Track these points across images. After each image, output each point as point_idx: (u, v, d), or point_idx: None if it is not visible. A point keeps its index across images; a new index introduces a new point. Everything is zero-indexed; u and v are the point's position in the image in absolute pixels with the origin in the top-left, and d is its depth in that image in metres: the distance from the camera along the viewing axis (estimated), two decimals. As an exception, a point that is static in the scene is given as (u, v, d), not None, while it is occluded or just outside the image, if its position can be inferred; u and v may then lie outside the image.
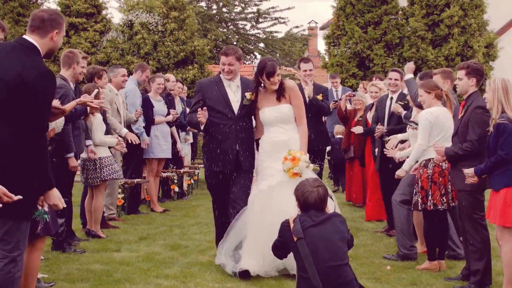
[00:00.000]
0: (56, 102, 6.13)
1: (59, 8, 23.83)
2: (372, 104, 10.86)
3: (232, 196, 7.61)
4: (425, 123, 7.54)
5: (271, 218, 6.80)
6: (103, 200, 9.53)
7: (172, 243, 8.98)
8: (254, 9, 32.89)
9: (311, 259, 5.49)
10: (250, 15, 33.10)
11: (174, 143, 12.75)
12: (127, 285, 6.81)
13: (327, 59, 24.34)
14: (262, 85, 7.56)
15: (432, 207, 7.50)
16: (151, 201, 12.06)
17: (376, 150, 9.83)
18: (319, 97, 9.79)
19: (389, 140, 9.09)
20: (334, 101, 13.61)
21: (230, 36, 32.84)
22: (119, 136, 10.00)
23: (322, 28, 32.19)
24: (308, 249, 5.52)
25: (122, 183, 10.82)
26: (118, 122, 10.38)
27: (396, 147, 8.84)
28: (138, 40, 23.64)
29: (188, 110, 13.78)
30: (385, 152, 8.90)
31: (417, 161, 7.76)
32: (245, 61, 32.54)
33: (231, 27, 33.59)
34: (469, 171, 6.53)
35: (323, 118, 11.17)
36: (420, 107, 7.97)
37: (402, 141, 8.91)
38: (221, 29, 32.19)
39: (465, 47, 22.10)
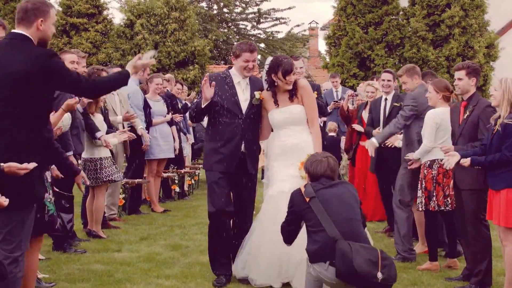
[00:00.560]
0: None
1: (60, 9, 23.84)
2: (366, 103, 10.85)
3: (237, 208, 7.09)
4: (431, 123, 7.51)
5: (278, 228, 6.32)
6: (104, 200, 9.53)
7: (173, 243, 8.97)
8: (255, 9, 32.87)
9: (326, 213, 5.44)
10: (251, 15, 33.06)
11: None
12: (128, 285, 6.81)
13: (327, 60, 24.32)
14: (276, 84, 7.01)
15: (436, 208, 7.51)
16: (151, 201, 12.05)
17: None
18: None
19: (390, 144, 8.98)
20: (334, 101, 13.59)
21: (230, 37, 32.82)
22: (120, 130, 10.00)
23: (323, 29, 32.17)
24: (322, 206, 5.47)
25: (123, 183, 10.82)
26: (114, 115, 10.36)
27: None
28: (139, 41, 23.65)
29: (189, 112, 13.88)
30: (386, 142, 8.80)
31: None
32: (245, 61, 32.46)
33: (232, 27, 33.56)
34: (465, 161, 6.38)
35: (321, 119, 11.02)
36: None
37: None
38: (221, 30, 32.15)
39: (466, 47, 22.09)
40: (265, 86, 7.14)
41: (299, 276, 6.29)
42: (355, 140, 11.87)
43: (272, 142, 7.23)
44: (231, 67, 7.23)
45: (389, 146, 8.76)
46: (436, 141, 7.49)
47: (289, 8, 32.61)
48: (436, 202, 7.50)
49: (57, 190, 6.66)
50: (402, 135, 8.65)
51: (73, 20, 23.42)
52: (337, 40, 23.44)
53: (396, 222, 8.40)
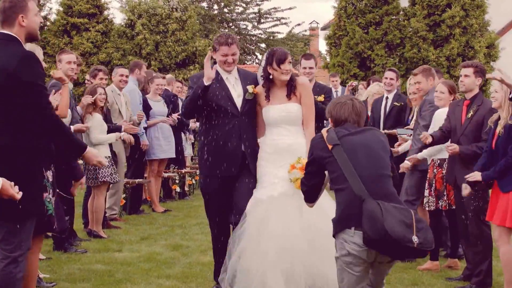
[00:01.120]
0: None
1: (61, 9, 23.83)
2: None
3: (234, 201, 6.51)
4: (442, 123, 7.45)
5: (267, 239, 5.96)
6: (103, 200, 9.52)
7: (173, 243, 8.97)
8: (256, 9, 32.86)
9: (351, 165, 4.75)
10: (251, 16, 33.06)
11: (178, 143, 12.75)
12: (128, 285, 6.81)
13: (328, 60, 24.30)
14: (271, 76, 6.47)
15: (447, 207, 7.50)
16: (152, 201, 12.05)
17: None
18: (321, 98, 8.19)
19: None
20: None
21: (231, 37, 32.80)
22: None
23: (323, 29, 32.13)
24: (347, 157, 4.77)
25: (124, 183, 10.81)
26: (119, 116, 10.35)
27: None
28: (140, 41, 23.63)
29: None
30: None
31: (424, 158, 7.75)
32: (246, 62, 32.53)
33: (233, 27, 33.53)
34: (476, 176, 6.30)
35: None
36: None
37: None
38: (222, 30, 32.13)
39: (466, 47, 22.07)
40: (260, 82, 6.64)
41: None
42: None
43: (263, 140, 6.64)
44: (215, 62, 6.68)
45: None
46: None
47: (290, 8, 32.62)
48: (447, 201, 7.49)
49: (58, 191, 6.63)
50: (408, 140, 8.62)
51: (73, 20, 23.39)
52: (338, 40, 23.42)
53: None
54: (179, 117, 12.40)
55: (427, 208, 7.66)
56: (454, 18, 21.90)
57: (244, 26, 33.72)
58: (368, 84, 12.91)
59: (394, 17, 22.87)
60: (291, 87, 6.53)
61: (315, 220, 6.01)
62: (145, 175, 12.07)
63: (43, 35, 23.18)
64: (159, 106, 11.96)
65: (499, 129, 6.23)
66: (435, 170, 7.60)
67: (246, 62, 32.30)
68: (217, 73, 6.57)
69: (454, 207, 7.45)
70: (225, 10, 33.16)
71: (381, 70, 21.52)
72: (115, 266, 7.60)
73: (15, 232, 4.72)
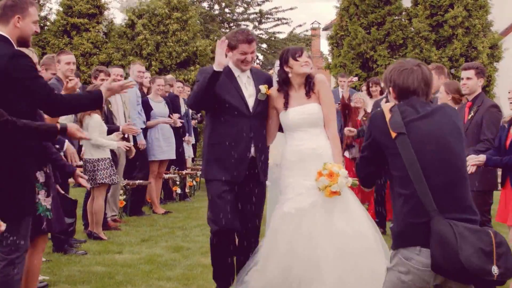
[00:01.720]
0: None
1: (61, 9, 23.81)
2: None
3: (243, 221, 6.07)
4: None
5: (301, 252, 5.54)
6: (103, 201, 9.46)
7: (174, 245, 8.92)
8: (257, 9, 32.88)
9: (419, 165, 3.85)
10: (252, 16, 33.07)
11: (179, 144, 12.72)
12: (128, 287, 6.76)
13: (330, 60, 24.26)
14: (290, 75, 5.98)
15: None
16: (152, 203, 12.02)
17: None
18: None
19: None
20: (338, 103, 13.47)
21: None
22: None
23: (325, 29, 32.12)
24: (414, 151, 3.88)
25: (124, 184, 10.77)
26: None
27: None
28: (140, 41, 23.60)
29: (191, 112, 13.86)
30: None
31: None
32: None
33: (234, 27, 33.52)
34: (481, 158, 6.07)
35: None
36: None
37: None
38: (223, 30, 32.13)
39: (469, 48, 22.01)
40: (275, 85, 6.18)
41: None
42: (357, 139, 11.53)
43: (285, 148, 6.14)
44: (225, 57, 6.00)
45: None
46: None
47: (291, 8, 32.68)
48: None
49: (63, 193, 6.57)
50: None
51: (74, 20, 23.36)
52: (340, 40, 23.37)
53: None
54: (182, 121, 12.37)
55: None
56: (457, 18, 21.85)
57: (245, 27, 33.72)
58: (368, 86, 12.81)
59: (396, 17, 22.83)
60: (309, 85, 6.02)
61: (344, 226, 5.61)
62: (146, 176, 12.03)
63: (42, 35, 23.15)
64: (160, 107, 11.94)
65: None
66: None
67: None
68: (229, 69, 6.09)
69: None
70: (226, 10, 33.19)
71: (384, 71, 21.46)
72: (115, 268, 7.56)
73: (11, 234, 4.66)
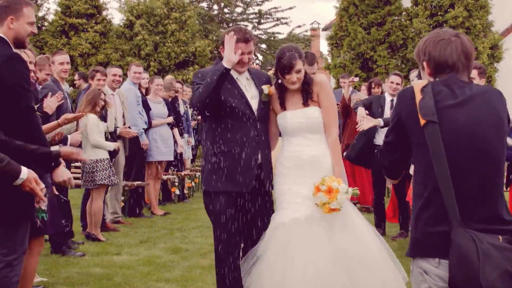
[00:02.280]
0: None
1: (59, 9, 23.79)
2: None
3: (249, 242, 5.49)
4: None
5: (295, 265, 5.07)
6: (101, 203, 9.42)
7: (172, 246, 8.88)
8: (256, 9, 32.89)
9: (447, 163, 3.22)
10: (251, 16, 33.08)
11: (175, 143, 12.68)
12: (127, 289, 6.74)
13: (329, 61, 24.24)
14: (279, 81, 5.56)
15: None
16: (151, 204, 11.98)
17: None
18: None
19: None
20: (338, 103, 13.43)
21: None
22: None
23: (324, 29, 32.16)
24: (444, 145, 3.23)
25: (122, 185, 10.74)
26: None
27: None
28: (139, 41, 23.58)
29: (190, 112, 13.83)
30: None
31: None
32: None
33: (233, 28, 33.57)
34: None
35: None
36: None
37: None
38: (222, 30, 32.11)
39: (469, 48, 22.03)
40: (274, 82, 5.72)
41: None
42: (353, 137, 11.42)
43: (280, 153, 5.64)
44: (222, 58, 5.45)
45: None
46: None
47: (290, 8, 32.65)
48: None
49: (57, 193, 6.52)
50: None
51: (72, 20, 23.34)
52: (339, 41, 23.37)
53: None
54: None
55: None
56: (457, 18, 21.87)
57: (245, 27, 33.74)
58: (369, 87, 12.74)
59: (396, 17, 22.83)
60: (307, 93, 5.52)
61: (348, 245, 5.13)
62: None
63: (40, 36, 23.12)
64: (159, 108, 11.90)
65: None
66: None
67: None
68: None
69: None
70: (225, 10, 33.21)
71: (384, 71, 21.48)
72: (114, 269, 7.52)
73: (9, 236, 4.60)
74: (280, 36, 33.41)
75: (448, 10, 22.12)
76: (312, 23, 34.53)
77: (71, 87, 15.86)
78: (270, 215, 5.46)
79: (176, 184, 13.50)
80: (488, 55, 22.11)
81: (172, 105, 12.49)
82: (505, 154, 3.40)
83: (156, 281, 7.02)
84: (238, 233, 5.44)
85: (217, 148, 5.46)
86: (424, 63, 3.49)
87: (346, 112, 11.84)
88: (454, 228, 3.16)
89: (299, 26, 35.32)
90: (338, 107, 12.71)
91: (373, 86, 12.48)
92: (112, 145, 9.32)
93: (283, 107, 5.58)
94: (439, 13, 22.34)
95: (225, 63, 5.28)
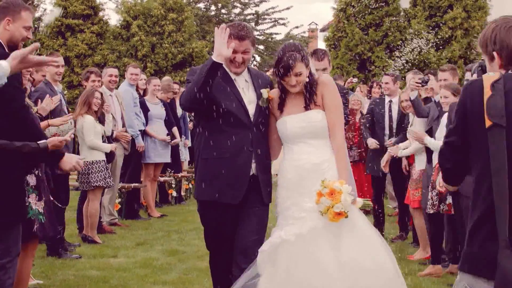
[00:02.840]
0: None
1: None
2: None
3: (239, 247, 5.06)
4: None
5: (301, 283, 4.61)
6: (98, 205, 9.37)
7: (169, 248, 8.87)
8: (253, 10, 32.90)
9: (507, 175, 2.85)
10: (249, 17, 33.06)
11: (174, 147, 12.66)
12: (123, 292, 6.72)
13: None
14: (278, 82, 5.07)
15: (450, 211, 7.37)
16: (148, 206, 11.96)
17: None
18: None
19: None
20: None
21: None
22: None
23: (322, 30, 32.15)
24: (507, 154, 2.85)
25: (118, 187, 10.70)
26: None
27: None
28: (136, 42, 23.55)
29: (187, 115, 13.79)
30: (389, 150, 8.80)
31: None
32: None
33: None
34: None
35: None
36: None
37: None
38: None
39: (468, 49, 22.06)
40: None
41: None
42: (356, 141, 11.48)
43: (282, 163, 5.11)
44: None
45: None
46: None
47: (287, 8, 32.63)
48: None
49: (52, 199, 6.46)
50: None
51: (68, 21, 23.30)
52: (337, 41, 23.36)
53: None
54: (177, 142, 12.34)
55: (427, 211, 7.52)
56: (456, 19, 21.88)
57: (244, 23, 33.72)
58: (370, 87, 12.75)
59: (394, 18, 22.81)
60: (309, 95, 4.99)
61: (355, 255, 4.66)
62: (141, 179, 11.94)
63: (37, 37, 23.08)
64: (157, 109, 11.88)
65: None
66: (440, 173, 7.45)
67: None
68: (225, 71, 5.08)
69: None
70: (223, 11, 33.17)
71: (381, 72, 21.46)
72: (110, 272, 7.49)
73: (2, 238, 4.56)
74: (278, 37, 33.43)
75: (447, 11, 22.13)
76: (309, 24, 34.59)
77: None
78: (262, 228, 5.13)
79: (173, 186, 13.47)
80: (487, 56, 22.14)
81: (170, 107, 12.47)
82: None
83: (153, 283, 7.01)
84: (228, 242, 5.08)
85: (206, 154, 5.06)
86: (495, 53, 3.07)
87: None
88: (500, 249, 2.85)
89: (297, 27, 35.30)
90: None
91: (374, 86, 12.55)
92: (108, 147, 9.27)
93: (283, 111, 5.07)
94: (437, 14, 22.34)
95: (214, 57, 4.83)
